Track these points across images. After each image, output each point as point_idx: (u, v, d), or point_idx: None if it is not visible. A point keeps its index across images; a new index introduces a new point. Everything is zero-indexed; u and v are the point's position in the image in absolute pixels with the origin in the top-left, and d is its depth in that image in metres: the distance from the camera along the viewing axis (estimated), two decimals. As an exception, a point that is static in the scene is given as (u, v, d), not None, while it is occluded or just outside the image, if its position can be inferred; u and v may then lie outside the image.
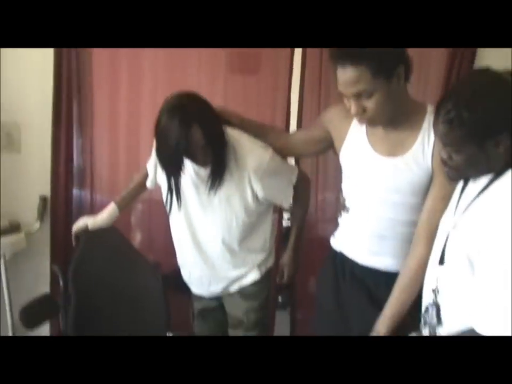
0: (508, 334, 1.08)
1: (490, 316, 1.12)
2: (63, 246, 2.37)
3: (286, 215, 2.59)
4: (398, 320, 1.46)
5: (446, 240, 1.27)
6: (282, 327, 2.53)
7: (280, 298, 3.11)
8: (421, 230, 1.46)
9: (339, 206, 1.74)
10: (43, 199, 2.38)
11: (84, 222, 2.06)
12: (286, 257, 2.10)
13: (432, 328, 1.29)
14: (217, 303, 2.03)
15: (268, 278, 1.99)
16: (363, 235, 1.63)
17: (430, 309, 1.30)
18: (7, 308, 2.32)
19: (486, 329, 1.12)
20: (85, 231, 2.04)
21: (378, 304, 1.51)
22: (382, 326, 1.48)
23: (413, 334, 1.32)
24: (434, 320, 1.28)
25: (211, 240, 1.89)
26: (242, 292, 1.96)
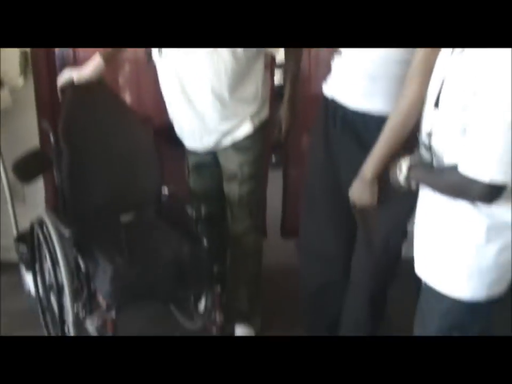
0: (486, 177, 1.09)
1: (475, 157, 1.10)
2: (50, 101, 2.29)
3: (277, 76, 2.50)
4: (385, 163, 1.43)
5: (442, 82, 1.22)
6: (275, 185, 2.58)
7: (274, 158, 3.13)
8: (414, 69, 1.39)
9: (333, 50, 1.67)
10: (23, 53, 2.25)
11: (68, 75, 1.97)
12: (282, 110, 2.06)
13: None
14: (212, 158, 2.03)
15: (262, 132, 1.97)
16: (355, 77, 1.58)
17: (423, 152, 1.29)
18: (1, 167, 2.32)
19: (467, 169, 1.11)
20: (71, 85, 1.97)
21: (368, 150, 1.47)
22: (368, 167, 1.44)
23: (406, 160, 1.31)
24: (427, 162, 1.28)
25: (200, 90, 1.83)
26: (236, 146, 1.95)
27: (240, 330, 2.08)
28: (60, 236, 1.82)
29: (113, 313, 1.69)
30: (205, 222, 1.90)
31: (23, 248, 2.27)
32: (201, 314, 2.03)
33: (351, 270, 1.76)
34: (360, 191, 1.49)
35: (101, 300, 1.73)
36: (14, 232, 2.44)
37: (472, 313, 1.27)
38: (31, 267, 2.13)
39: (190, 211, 1.91)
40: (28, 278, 2.36)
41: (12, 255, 2.52)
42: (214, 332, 1.87)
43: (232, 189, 2.01)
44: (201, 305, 2.10)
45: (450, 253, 1.25)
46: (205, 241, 1.85)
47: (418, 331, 1.38)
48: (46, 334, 2.09)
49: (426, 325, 1.34)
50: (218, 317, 1.85)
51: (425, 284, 1.33)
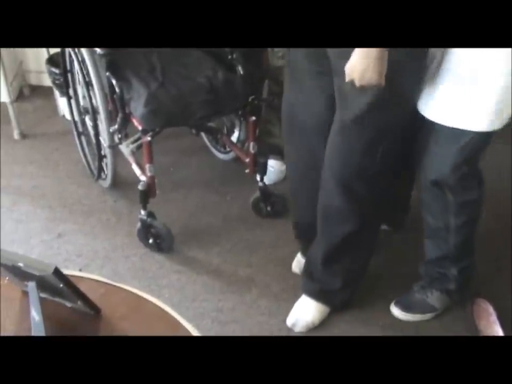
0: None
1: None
2: None
3: None
4: None
5: None
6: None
7: None
8: None
9: None
10: None
11: None
12: None
13: None
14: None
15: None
16: None
17: None
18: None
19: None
20: None
21: None
22: None
23: None
24: None
25: None
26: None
27: (273, 163, 2.09)
28: (93, 56, 1.76)
29: (148, 137, 1.70)
30: (240, 51, 1.81)
31: (55, 70, 2.23)
32: (234, 144, 2.04)
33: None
34: (363, 66, 1.13)
35: (136, 123, 1.73)
36: (45, 54, 2.39)
37: (483, 143, 1.33)
38: (64, 91, 2.11)
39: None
40: (62, 102, 2.37)
41: (45, 79, 2.50)
42: (247, 161, 1.88)
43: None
44: (235, 137, 2.11)
45: (477, 92, 1.24)
46: (240, 69, 1.77)
47: (428, 173, 1.40)
48: (82, 156, 2.14)
49: (441, 162, 1.35)
50: (252, 148, 1.85)
51: (440, 126, 1.31)
